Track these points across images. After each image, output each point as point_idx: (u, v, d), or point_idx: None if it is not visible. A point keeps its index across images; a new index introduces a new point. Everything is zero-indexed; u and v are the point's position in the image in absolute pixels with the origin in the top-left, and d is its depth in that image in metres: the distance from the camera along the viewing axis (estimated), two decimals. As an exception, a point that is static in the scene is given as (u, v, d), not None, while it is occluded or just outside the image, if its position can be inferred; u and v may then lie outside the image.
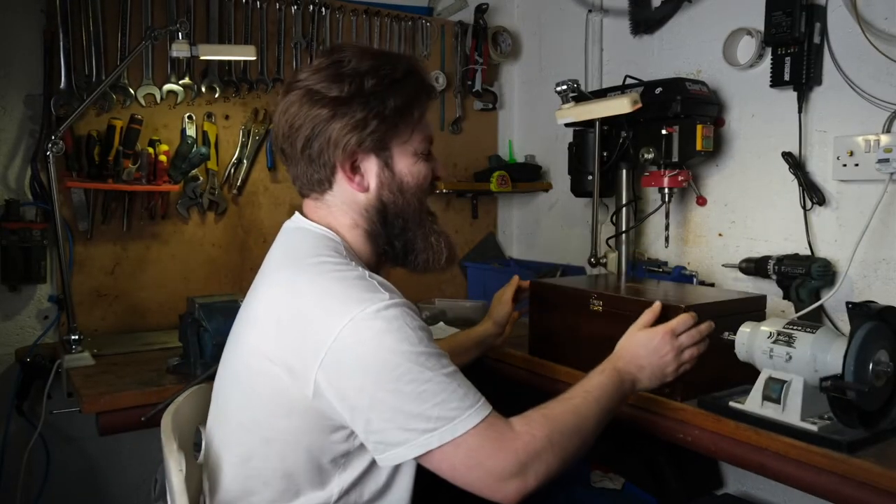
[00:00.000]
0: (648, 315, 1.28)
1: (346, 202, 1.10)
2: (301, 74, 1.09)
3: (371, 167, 1.09)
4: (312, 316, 0.96)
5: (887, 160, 1.53)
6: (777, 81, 1.74)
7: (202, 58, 1.94)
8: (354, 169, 1.09)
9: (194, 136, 2.08)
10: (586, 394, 1.10)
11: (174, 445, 1.00)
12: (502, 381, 1.70)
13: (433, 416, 0.92)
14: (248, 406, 1.03)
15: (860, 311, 1.13)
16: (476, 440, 0.93)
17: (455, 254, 1.20)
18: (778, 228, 1.82)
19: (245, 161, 2.19)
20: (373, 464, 1.02)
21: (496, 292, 1.65)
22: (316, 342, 0.94)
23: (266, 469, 1.02)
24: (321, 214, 1.12)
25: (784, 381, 1.21)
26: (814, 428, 1.16)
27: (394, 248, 1.14)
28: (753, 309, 1.49)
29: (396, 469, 1.05)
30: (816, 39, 1.68)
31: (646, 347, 1.22)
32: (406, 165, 1.11)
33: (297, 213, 1.16)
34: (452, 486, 0.97)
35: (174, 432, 1.03)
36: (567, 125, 2.14)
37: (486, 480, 0.94)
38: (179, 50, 1.84)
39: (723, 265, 1.91)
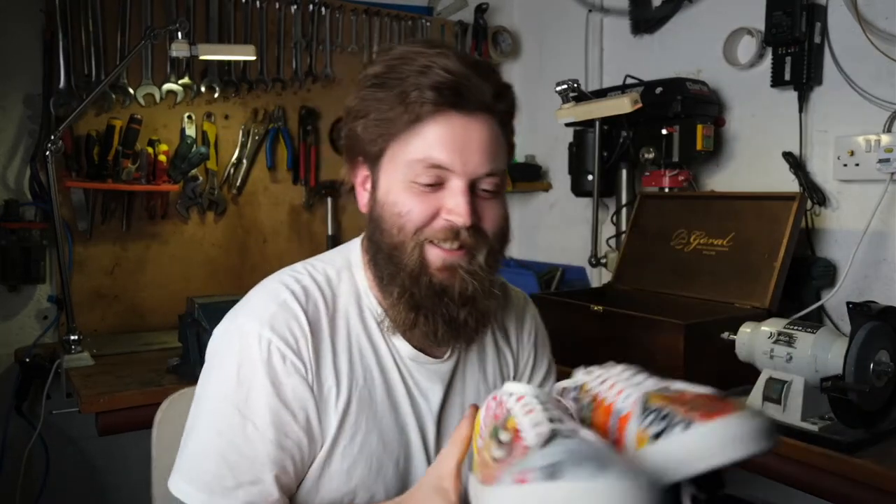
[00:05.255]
0: (465, 429, 0.74)
1: None
2: None
3: None
4: None
5: (888, 160, 1.53)
6: (777, 81, 1.74)
7: (202, 57, 1.94)
8: None
9: (194, 135, 2.08)
10: None
11: None
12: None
13: (185, 464, 0.82)
14: None
15: (861, 312, 1.13)
16: None
17: None
18: (778, 228, 1.81)
19: (245, 161, 2.19)
20: None
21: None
22: None
23: None
24: None
25: (785, 382, 1.21)
26: (814, 428, 1.16)
27: None
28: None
29: None
30: (817, 39, 1.68)
31: None
32: None
33: None
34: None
35: None
36: (567, 125, 2.14)
37: None
38: (179, 50, 1.84)
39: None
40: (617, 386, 0.69)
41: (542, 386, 1.02)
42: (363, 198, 0.90)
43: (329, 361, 0.85)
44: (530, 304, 1.07)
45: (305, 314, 0.84)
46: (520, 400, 0.67)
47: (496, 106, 0.84)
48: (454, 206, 0.81)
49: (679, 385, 0.66)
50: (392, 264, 0.84)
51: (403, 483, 0.88)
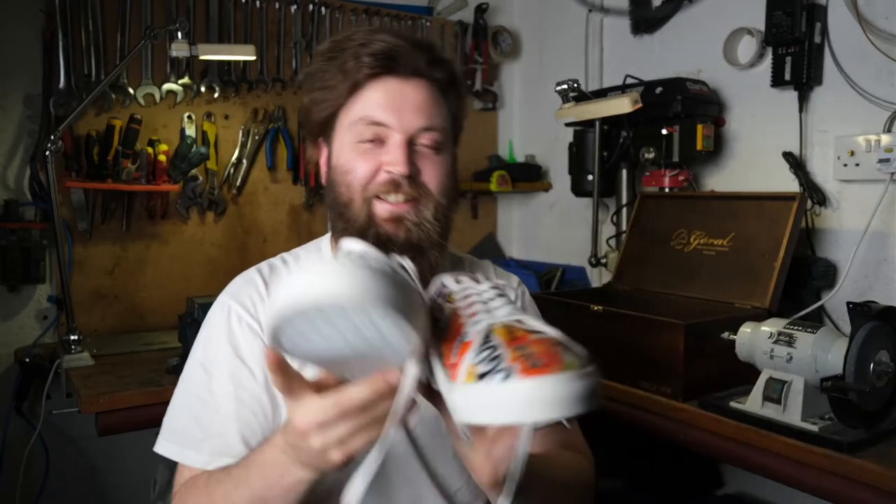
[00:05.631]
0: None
1: None
2: None
3: None
4: None
5: (888, 160, 1.52)
6: (778, 81, 1.74)
7: (202, 57, 1.94)
8: None
9: (194, 135, 2.08)
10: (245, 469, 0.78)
11: None
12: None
13: (164, 424, 0.92)
14: None
15: (861, 312, 1.13)
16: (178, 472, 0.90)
17: None
18: (778, 228, 1.81)
19: (245, 161, 2.19)
20: None
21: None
22: None
23: None
24: None
25: (785, 382, 1.21)
26: (815, 428, 1.16)
27: None
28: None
29: None
30: (817, 39, 1.67)
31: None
32: None
33: None
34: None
35: None
36: (567, 125, 2.14)
37: None
38: (179, 49, 1.84)
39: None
40: (473, 307, 0.66)
41: None
42: (324, 173, 0.97)
43: None
44: (519, 281, 1.10)
45: (266, 285, 0.94)
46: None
47: (432, 73, 0.91)
48: (392, 158, 0.87)
49: (532, 322, 0.63)
50: (343, 220, 0.91)
51: None
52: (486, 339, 0.60)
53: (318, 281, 0.53)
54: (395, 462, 0.90)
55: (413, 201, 0.89)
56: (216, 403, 0.88)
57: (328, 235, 1.02)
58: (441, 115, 0.91)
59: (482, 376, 0.56)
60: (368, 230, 0.88)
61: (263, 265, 0.98)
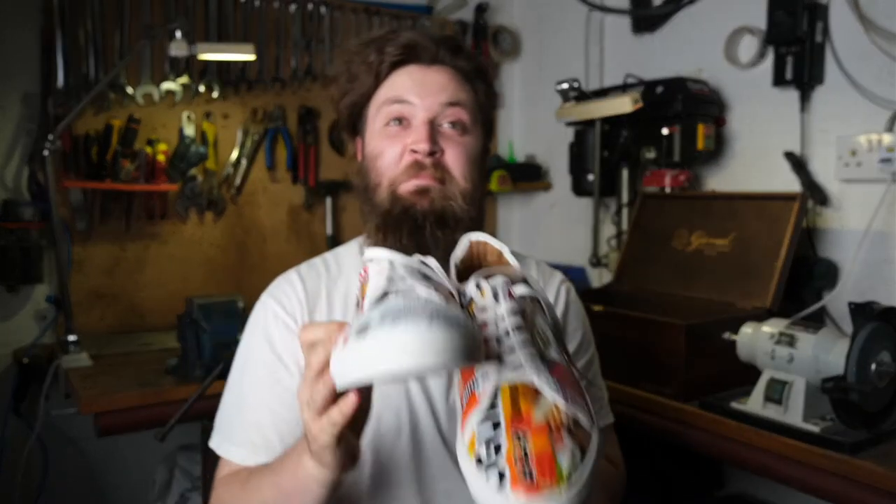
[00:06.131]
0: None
1: None
2: None
3: None
4: None
5: (889, 160, 1.52)
6: (779, 80, 1.73)
7: (200, 57, 1.93)
8: None
9: (193, 135, 2.08)
10: (278, 461, 0.80)
11: None
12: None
13: (217, 419, 0.95)
14: None
15: (863, 312, 1.12)
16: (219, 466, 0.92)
17: None
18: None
19: (244, 161, 2.18)
20: None
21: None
22: None
23: None
24: None
25: (786, 382, 1.20)
26: (816, 429, 1.16)
27: None
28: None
29: None
30: (818, 38, 1.67)
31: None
32: None
33: None
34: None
35: None
36: (568, 124, 2.14)
37: None
38: (178, 49, 1.83)
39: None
40: (488, 344, 0.59)
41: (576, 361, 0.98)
42: (359, 163, 0.98)
43: (324, 318, 0.93)
44: (562, 278, 1.06)
45: (302, 282, 0.96)
46: (377, 265, 0.65)
47: (455, 62, 0.93)
48: (415, 137, 0.88)
49: (540, 380, 0.56)
50: (370, 204, 0.93)
51: (399, 431, 0.89)
52: (493, 402, 0.55)
53: (398, 352, 0.51)
54: (428, 455, 0.90)
55: (438, 181, 0.89)
56: (254, 396, 0.90)
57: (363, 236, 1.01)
58: (465, 94, 0.92)
59: (479, 461, 0.53)
60: (395, 205, 0.88)
61: (303, 265, 1.00)
